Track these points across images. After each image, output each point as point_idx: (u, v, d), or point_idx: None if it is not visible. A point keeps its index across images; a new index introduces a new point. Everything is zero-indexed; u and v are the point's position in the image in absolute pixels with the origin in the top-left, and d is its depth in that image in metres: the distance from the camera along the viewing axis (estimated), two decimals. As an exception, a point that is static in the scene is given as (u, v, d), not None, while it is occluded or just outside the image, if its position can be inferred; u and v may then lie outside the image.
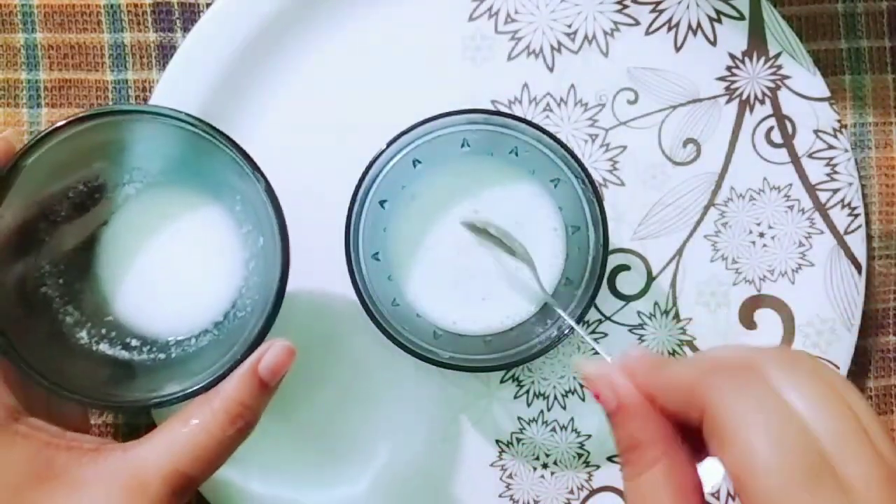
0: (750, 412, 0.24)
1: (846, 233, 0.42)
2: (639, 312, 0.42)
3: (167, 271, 0.38)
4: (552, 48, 0.42)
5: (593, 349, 0.42)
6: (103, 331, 0.37)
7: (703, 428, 0.25)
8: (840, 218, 0.42)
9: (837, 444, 0.24)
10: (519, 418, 0.42)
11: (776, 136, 0.42)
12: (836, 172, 0.42)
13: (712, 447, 0.25)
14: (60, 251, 0.37)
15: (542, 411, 0.42)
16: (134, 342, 0.38)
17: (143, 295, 0.38)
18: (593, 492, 0.42)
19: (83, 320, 0.37)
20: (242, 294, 0.38)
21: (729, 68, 0.42)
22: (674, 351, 0.42)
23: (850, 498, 0.23)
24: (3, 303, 0.34)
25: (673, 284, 0.42)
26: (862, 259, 0.42)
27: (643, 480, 0.27)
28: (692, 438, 0.27)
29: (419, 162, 0.39)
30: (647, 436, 0.27)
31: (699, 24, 0.42)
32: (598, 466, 0.42)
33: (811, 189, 0.42)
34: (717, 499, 0.42)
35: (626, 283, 0.42)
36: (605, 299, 0.42)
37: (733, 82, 0.42)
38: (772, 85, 0.42)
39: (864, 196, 0.43)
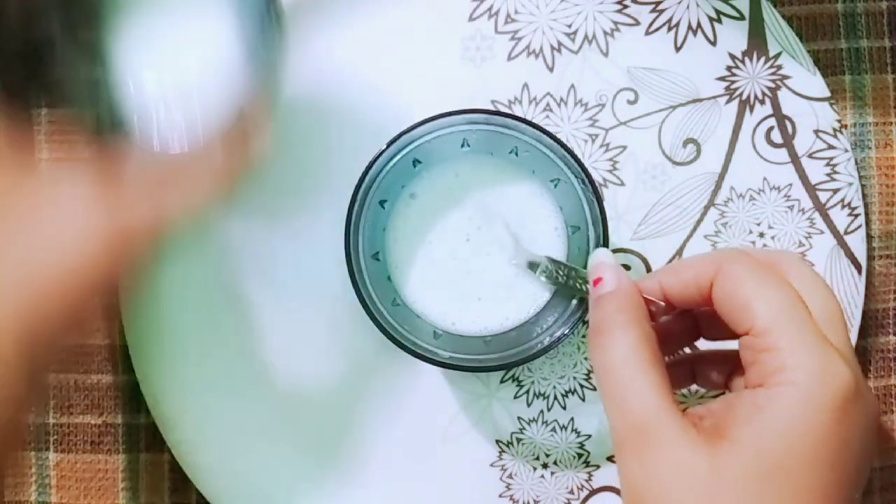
0: (743, 264, 0.31)
1: (846, 233, 0.42)
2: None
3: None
4: (552, 48, 0.42)
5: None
6: None
7: (716, 286, 0.31)
8: (840, 218, 0.42)
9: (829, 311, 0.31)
10: (519, 418, 0.42)
11: (776, 136, 0.42)
12: (836, 172, 0.42)
13: (723, 297, 0.31)
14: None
15: (542, 411, 0.42)
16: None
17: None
18: (593, 492, 0.42)
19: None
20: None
21: (729, 68, 0.42)
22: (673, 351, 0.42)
23: (828, 331, 0.30)
24: None
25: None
26: (862, 259, 0.42)
27: (610, 354, 0.31)
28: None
29: (419, 162, 0.39)
30: (618, 307, 0.32)
31: (699, 24, 0.42)
32: (598, 466, 0.42)
33: (811, 189, 0.42)
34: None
35: (626, 283, 0.42)
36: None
37: (733, 82, 0.42)
38: (772, 85, 0.42)
39: (864, 196, 0.43)
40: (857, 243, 0.42)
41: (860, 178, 0.42)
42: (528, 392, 0.42)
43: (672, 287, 0.33)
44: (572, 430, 0.42)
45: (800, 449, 0.28)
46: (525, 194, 0.40)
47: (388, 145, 0.36)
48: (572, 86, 0.42)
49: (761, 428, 0.28)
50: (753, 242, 0.42)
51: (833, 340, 0.30)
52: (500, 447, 0.42)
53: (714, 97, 0.42)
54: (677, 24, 0.42)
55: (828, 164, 0.42)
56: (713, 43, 0.42)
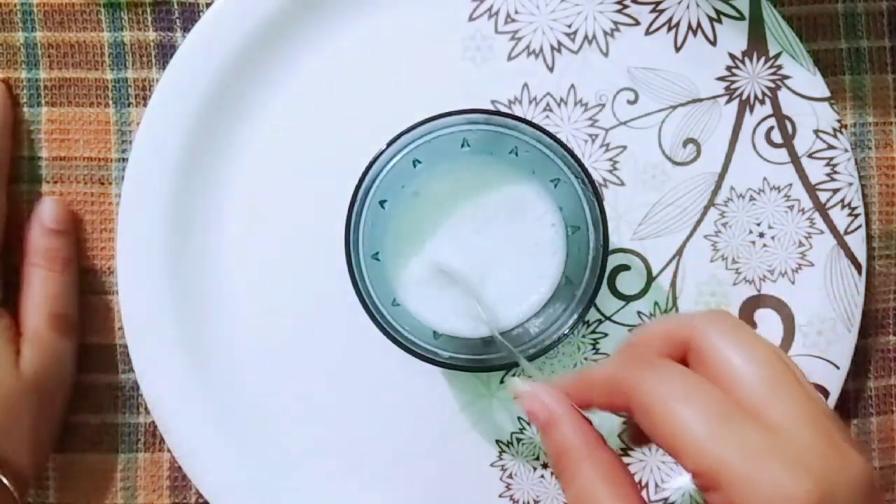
0: (661, 386, 0.27)
1: (846, 233, 0.42)
2: (639, 312, 0.42)
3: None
4: (552, 48, 0.42)
5: (590, 352, 0.42)
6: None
7: (633, 412, 0.27)
8: (840, 218, 0.42)
9: (768, 388, 0.26)
10: (519, 418, 0.42)
11: (776, 136, 0.42)
12: (836, 172, 0.42)
13: (644, 426, 0.27)
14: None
15: (541, 411, 0.42)
16: None
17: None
18: None
19: None
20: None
21: (729, 68, 0.42)
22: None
23: (776, 435, 0.25)
24: None
25: (673, 284, 0.42)
26: (862, 259, 0.42)
27: (579, 485, 0.28)
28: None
29: (419, 162, 0.39)
30: (576, 439, 0.29)
31: (699, 24, 0.42)
32: (597, 466, 0.42)
33: (811, 189, 0.42)
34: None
35: (626, 283, 0.42)
36: (605, 299, 0.42)
37: (733, 82, 0.42)
38: (772, 85, 0.42)
39: (864, 196, 0.43)
40: (857, 243, 0.42)
41: (860, 178, 0.42)
42: (527, 392, 0.42)
43: (588, 403, 0.30)
44: (572, 430, 0.42)
45: None
46: (525, 194, 0.39)
47: (388, 145, 0.36)
48: (572, 86, 0.42)
49: None
50: (753, 242, 0.42)
51: (780, 414, 0.25)
52: (500, 447, 0.42)
53: (714, 97, 0.42)
54: (677, 24, 0.42)
55: (828, 164, 0.42)
56: (713, 43, 0.42)
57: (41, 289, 0.41)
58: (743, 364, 0.27)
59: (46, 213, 0.42)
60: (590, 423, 0.29)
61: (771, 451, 0.25)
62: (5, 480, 0.38)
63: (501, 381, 0.42)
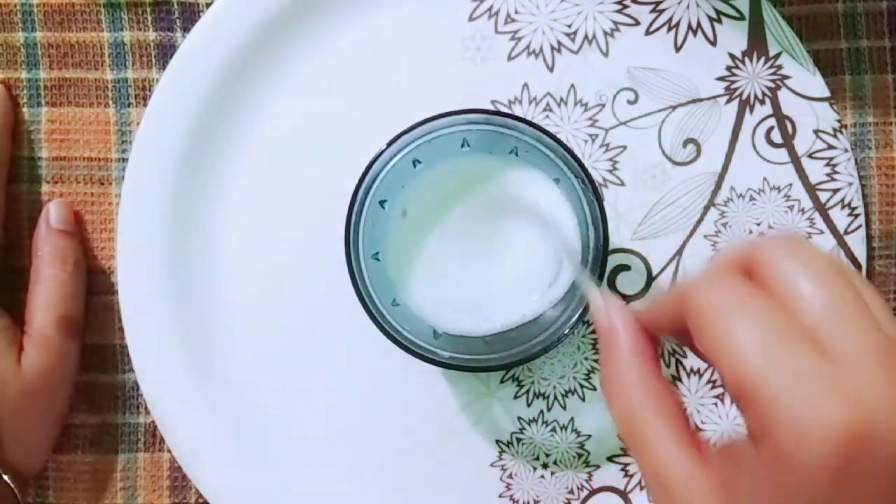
0: (717, 294, 0.25)
1: (846, 233, 0.42)
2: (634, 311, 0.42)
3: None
4: (552, 48, 0.42)
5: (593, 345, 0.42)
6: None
7: (689, 327, 0.26)
8: (840, 218, 0.42)
9: (834, 314, 0.24)
10: (519, 418, 0.42)
11: (776, 136, 0.42)
12: (836, 172, 0.42)
13: (695, 334, 0.26)
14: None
15: (542, 411, 0.42)
16: None
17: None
18: (593, 492, 0.42)
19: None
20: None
21: (729, 68, 0.42)
22: (673, 351, 0.42)
23: (831, 361, 0.23)
24: None
25: (673, 284, 0.42)
26: (862, 259, 0.42)
27: (624, 402, 0.27)
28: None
29: (419, 162, 0.39)
30: (629, 359, 0.28)
31: (699, 24, 0.42)
32: (598, 466, 0.42)
33: (811, 189, 0.42)
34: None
35: (626, 283, 0.42)
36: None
37: (733, 82, 0.42)
38: (772, 85, 0.42)
39: (864, 196, 0.43)
40: (857, 243, 0.42)
41: (860, 178, 0.42)
42: (528, 392, 0.42)
43: (655, 323, 0.29)
44: (572, 430, 0.42)
45: None
46: (525, 194, 0.39)
47: (388, 145, 0.36)
48: (572, 86, 0.42)
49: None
50: (753, 242, 0.42)
51: (841, 348, 0.23)
52: (500, 447, 0.42)
53: (714, 97, 0.42)
54: (677, 24, 0.42)
55: (828, 164, 0.42)
56: (713, 43, 0.42)
57: (52, 290, 0.41)
58: (810, 287, 0.24)
59: (53, 214, 0.42)
60: (653, 346, 0.29)
61: (820, 377, 0.23)
62: (8, 480, 0.38)
63: (501, 381, 0.42)
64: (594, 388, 0.42)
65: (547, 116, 0.42)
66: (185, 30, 0.42)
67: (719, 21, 0.42)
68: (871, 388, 0.23)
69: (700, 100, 0.42)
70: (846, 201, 0.42)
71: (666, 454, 0.26)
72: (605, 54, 0.42)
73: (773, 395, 0.23)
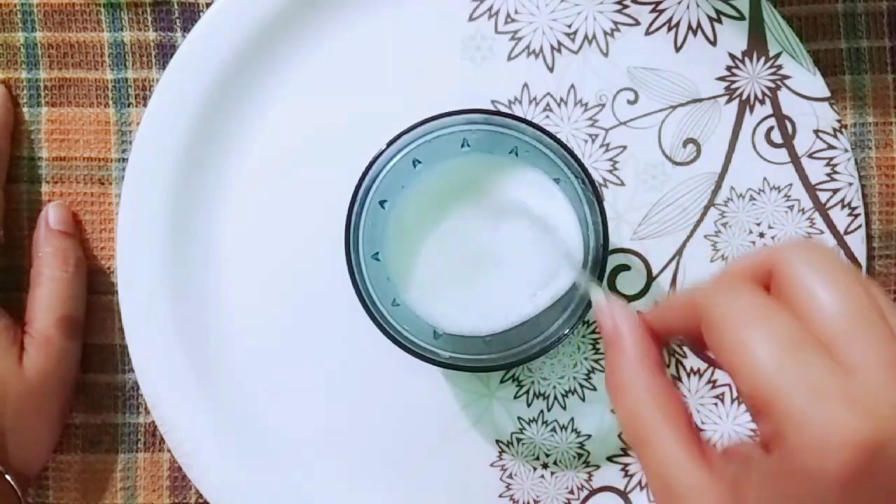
0: (734, 305, 0.25)
1: (846, 233, 0.42)
2: (639, 313, 0.42)
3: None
4: (552, 48, 0.42)
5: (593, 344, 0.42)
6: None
7: (704, 335, 0.26)
8: (840, 218, 0.42)
9: (850, 324, 0.24)
10: (519, 418, 0.42)
11: (776, 136, 0.42)
12: (836, 172, 0.42)
13: (711, 345, 0.26)
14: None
15: (542, 411, 0.42)
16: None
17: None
18: (593, 492, 0.42)
19: None
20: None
21: (729, 68, 0.42)
22: (673, 351, 0.42)
23: (847, 374, 0.23)
24: None
25: (673, 284, 0.42)
26: (862, 259, 0.42)
27: (630, 403, 0.27)
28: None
29: (419, 162, 0.39)
30: (634, 360, 0.28)
31: (699, 24, 0.42)
32: (598, 466, 0.42)
33: (811, 189, 0.42)
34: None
35: (626, 283, 0.42)
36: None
37: (733, 82, 0.42)
38: (772, 85, 0.42)
39: (864, 196, 0.43)
40: (857, 243, 0.42)
41: (860, 178, 0.42)
42: (528, 392, 0.42)
43: (665, 325, 0.29)
44: (572, 430, 0.42)
45: None
46: (525, 194, 0.39)
47: (388, 145, 0.36)
48: (572, 86, 0.42)
49: None
50: (753, 242, 0.42)
51: (857, 359, 0.23)
52: (500, 447, 0.42)
53: (714, 97, 0.42)
54: (677, 24, 0.42)
55: (828, 164, 0.42)
56: (713, 43, 0.42)
57: (52, 290, 0.41)
58: (826, 297, 0.24)
59: (52, 215, 0.42)
60: (657, 348, 0.29)
61: (836, 389, 0.23)
62: (10, 480, 0.38)
63: (501, 381, 0.42)
64: (594, 388, 0.42)
65: (547, 116, 0.42)
66: (185, 30, 0.42)
67: (719, 21, 0.42)
68: (886, 400, 0.23)
69: (700, 100, 0.42)
70: (846, 201, 0.42)
71: (671, 458, 0.26)
72: (605, 54, 0.42)
73: (789, 405, 0.23)
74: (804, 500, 0.23)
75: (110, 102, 0.43)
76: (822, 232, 0.42)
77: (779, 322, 0.25)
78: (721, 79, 0.42)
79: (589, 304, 0.36)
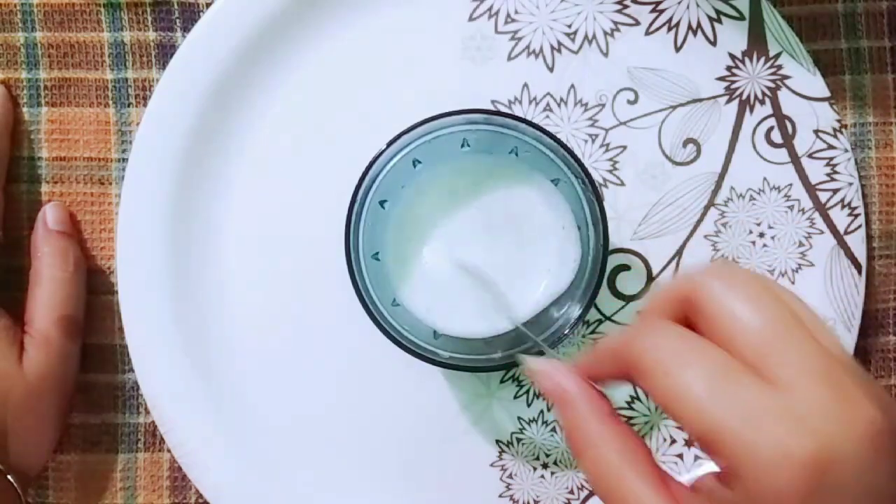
0: (658, 349, 0.26)
1: (846, 233, 0.42)
2: (639, 313, 0.42)
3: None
4: (552, 48, 0.42)
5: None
6: None
7: (638, 384, 0.27)
8: (840, 218, 0.42)
9: (773, 340, 0.25)
10: (519, 418, 0.42)
11: (776, 136, 0.42)
12: (836, 172, 0.42)
13: (648, 392, 0.26)
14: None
15: (542, 411, 0.42)
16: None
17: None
18: (593, 492, 0.42)
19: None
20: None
21: (729, 68, 0.42)
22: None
23: (778, 392, 0.24)
24: None
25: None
26: (862, 259, 0.42)
27: (592, 458, 0.27)
28: None
29: (419, 162, 0.39)
30: (588, 415, 0.28)
31: (699, 24, 0.42)
32: (597, 466, 0.42)
33: (811, 189, 0.42)
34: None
35: (626, 283, 0.42)
36: (605, 299, 0.42)
37: (733, 82, 0.42)
38: (772, 85, 0.42)
39: (864, 196, 0.43)
40: (857, 243, 0.42)
41: (860, 178, 0.42)
42: (528, 392, 0.42)
43: (599, 374, 0.30)
44: (572, 430, 0.42)
45: None
46: (525, 194, 0.39)
47: (388, 145, 0.36)
48: (572, 86, 0.42)
49: None
50: (753, 243, 0.42)
51: (784, 368, 0.24)
52: (500, 447, 0.42)
53: (714, 97, 0.42)
54: (677, 24, 0.42)
55: (828, 164, 0.42)
56: (713, 43, 0.42)
57: (52, 290, 0.41)
58: (746, 315, 0.25)
59: (50, 216, 0.42)
60: (604, 396, 0.29)
61: (770, 410, 0.24)
62: (12, 480, 0.38)
63: (501, 381, 0.42)
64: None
65: (547, 116, 0.42)
66: (185, 30, 0.42)
67: (719, 21, 0.42)
68: (822, 412, 0.24)
69: (700, 100, 0.42)
70: (846, 201, 0.42)
71: (642, 501, 0.26)
72: (605, 54, 0.42)
73: (733, 437, 0.24)
74: None
75: (110, 102, 0.43)
76: (822, 232, 0.42)
77: (703, 355, 0.25)
78: (721, 79, 0.42)
79: (589, 305, 0.36)
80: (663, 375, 0.25)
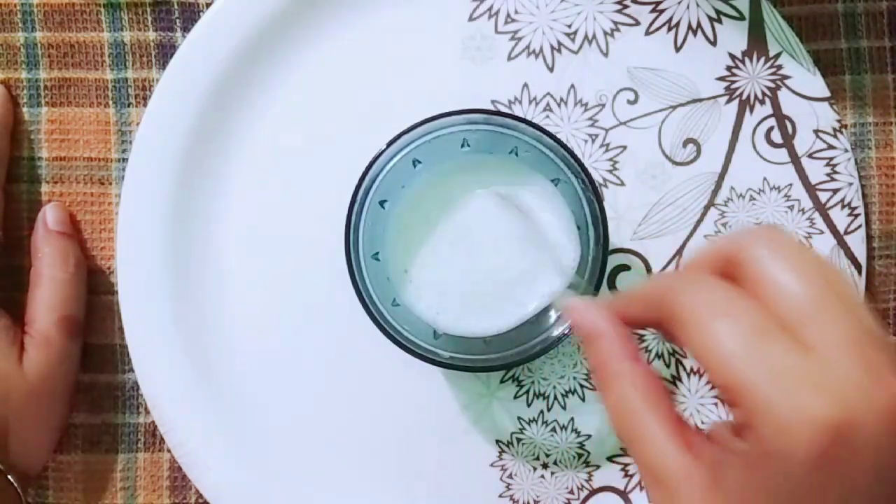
0: (697, 298, 0.26)
1: (846, 233, 0.42)
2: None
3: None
4: (552, 48, 0.42)
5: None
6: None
7: (670, 325, 0.27)
8: (840, 218, 0.42)
9: (812, 307, 0.25)
10: (519, 418, 0.42)
11: (776, 136, 0.42)
12: (836, 172, 0.42)
13: (680, 339, 0.27)
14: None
15: (542, 411, 0.42)
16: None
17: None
18: (593, 492, 0.42)
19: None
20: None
21: (729, 68, 0.42)
22: (673, 351, 0.42)
23: (810, 357, 0.24)
24: None
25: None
26: (862, 259, 0.42)
27: (616, 395, 0.28)
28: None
29: (419, 162, 0.39)
30: (615, 353, 0.29)
31: (699, 24, 0.42)
32: (598, 466, 0.42)
33: (811, 189, 0.42)
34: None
35: (626, 283, 0.42)
36: (605, 299, 0.42)
37: (733, 82, 0.42)
38: (772, 85, 0.42)
39: (864, 196, 0.43)
40: (857, 243, 0.42)
41: (860, 178, 0.42)
42: (528, 392, 0.42)
43: (633, 318, 0.30)
44: (572, 430, 0.42)
45: None
46: (525, 194, 0.39)
47: (388, 145, 0.36)
48: (572, 86, 0.42)
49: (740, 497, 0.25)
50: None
51: (820, 335, 0.24)
52: (500, 447, 0.42)
53: (714, 97, 0.42)
54: (677, 24, 0.42)
55: (828, 164, 0.42)
56: (713, 43, 0.42)
57: (52, 291, 0.41)
58: (788, 281, 0.25)
59: (50, 216, 0.42)
60: (632, 339, 0.29)
61: (800, 373, 0.24)
62: (12, 480, 0.38)
63: (501, 381, 0.42)
64: (594, 388, 0.42)
65: (547, 116, 0.42)
66: (185, 30, 0.42)
67: (719, 21, 0.42)
68: (848, 380, 0.24)
69: (700, 100, 0.42)
70: (846, 201, 0.42)
71: (657, 444, 0.27)
72: (605, 54, 0.42)
73: (757, 393, 0.24)
74: (778, 482, 0.24)
75: (110, 102, 0.43)
76: (822, 232, 0.42)
77: (743, 311, 0.25)
78: (721, 79, 0.42)
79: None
80: (699, 324, 0.26)
